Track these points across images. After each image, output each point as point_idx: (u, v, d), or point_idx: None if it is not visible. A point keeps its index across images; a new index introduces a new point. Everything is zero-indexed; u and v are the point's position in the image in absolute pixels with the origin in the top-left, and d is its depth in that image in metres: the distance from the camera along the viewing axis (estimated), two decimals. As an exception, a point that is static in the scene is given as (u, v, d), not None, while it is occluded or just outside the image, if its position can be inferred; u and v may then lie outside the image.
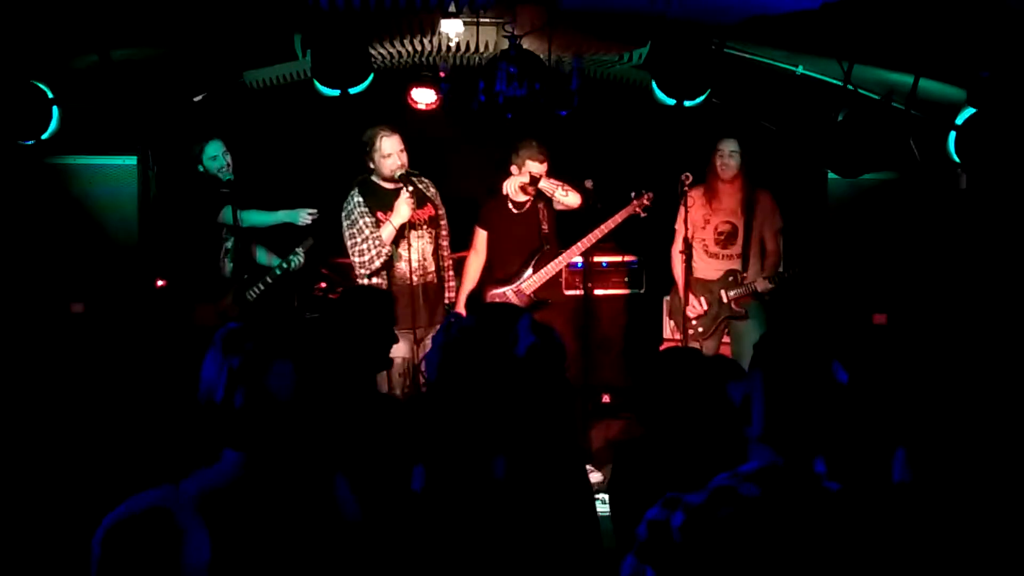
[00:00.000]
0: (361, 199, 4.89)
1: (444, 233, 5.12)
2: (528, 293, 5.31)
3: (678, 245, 5.30)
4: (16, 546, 3.71)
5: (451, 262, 5.22)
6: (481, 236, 5.36)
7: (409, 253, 4.82)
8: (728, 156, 5.22)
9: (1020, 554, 1.98)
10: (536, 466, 2.12)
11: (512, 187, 5.26)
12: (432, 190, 5.08)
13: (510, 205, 5.33)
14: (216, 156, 5.01)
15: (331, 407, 3.06)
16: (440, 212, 5.08)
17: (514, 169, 5.24)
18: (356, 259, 4.87)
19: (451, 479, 2.07)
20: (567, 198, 5.18)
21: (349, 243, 4.89)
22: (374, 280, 4.87)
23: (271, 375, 1.78)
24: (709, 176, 5.31)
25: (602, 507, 4.75)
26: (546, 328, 2.25)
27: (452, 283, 5.22)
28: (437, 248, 5.09)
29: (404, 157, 4.86)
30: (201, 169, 5.06)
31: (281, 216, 5.19)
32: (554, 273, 5.34)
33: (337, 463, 1.93)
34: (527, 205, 5.34)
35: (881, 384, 5.05)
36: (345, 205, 4.92)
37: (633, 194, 5.33)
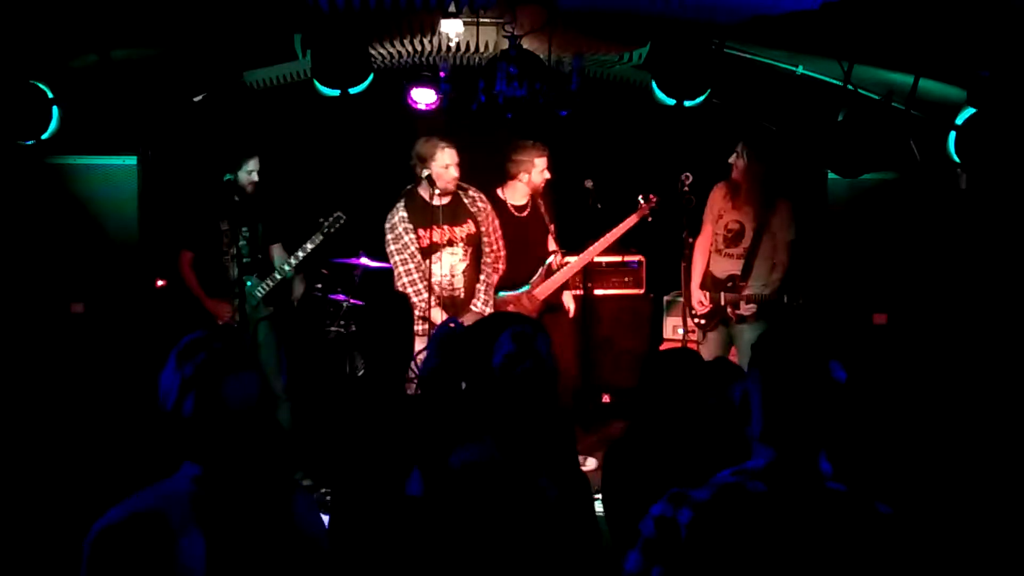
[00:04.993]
0: (406, 214, 4.97)
1: (487, 251, 5.10)
2: (541, 299, 5.32)
3: (705, 236, 5.30)
4: (16, 546, 3.71)
5: (493, 280, 5.17)
6: None
7: (440, 267, 4.91)
8: (736, 157, 5.16)
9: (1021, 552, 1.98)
10: (522, 466, 2.13)
11: (518, 192, 5.27)
12: (480, 205, 5.10)
13: (511, 210, 5.33)
14: (252, 172, 5.03)
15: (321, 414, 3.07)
16: (484, 229, 5.07)
17: (522, 174, 5.26)
18: (404, 276, 4.95)
19: (442, 482, 2.08)
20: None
21: (397, 257, 4.97)
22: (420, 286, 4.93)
23: (229, 385, 1.76)
24: (731, 173, 5.24)
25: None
26: (529, 339, 2.25)
27: (483, 296, 5.11)
28: (476, 265, 5.07)
29: (458, 171, 4.95)
30: (229, 176, 5.03)
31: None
32: (567, 278, 5.36)
33: (294, 481, 1.93)
34: (527, 210, 5.35)
35: (881, 384, 5.06)
36: (390, 217, 5.00)
37: (641, 198, 5.35)
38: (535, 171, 5.26)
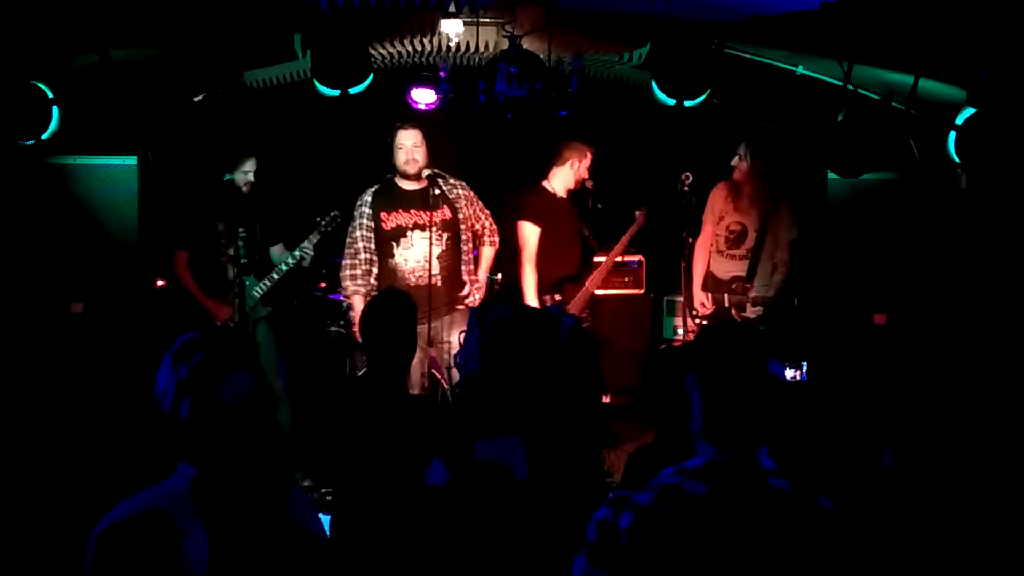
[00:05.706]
0: (370, 199, 4.95)
1: (466, 238, 5.05)
2: (592, 291, 5.41)
3: (705, 237, 5.33)
4: (16, 546, 3.71)
5: (485, 253, 5.18)
6: (533, 232, 5.27)
7: (429, 255, 4.82)
8: (739, 159, 5.20)
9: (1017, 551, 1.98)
10: (560, 459, 2.13)
11: (563, 181, 5.34)
12: (458, 192, 5.02)
13: (559, 201, 5.39)
14: (248, 172, 5.04)
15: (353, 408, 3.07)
16: (462, 215, 5.00)
17: (573, 161, 5.33)
18: (345, 259, 4.95)
19: (475, 473, 2.07)
20: None
21: (347, 242, 4.97)
22: (359, 282, 4.90)
23: (225, 386, 1.75)
24: (733, 174, 5.29)
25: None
26: (578, 319, 2.33)
27: (475, 282, 5.07)
28: (454, 252, 5.00)
29: (420, 153, 4.89)
30: (227, 176, 5.05)
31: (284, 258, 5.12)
32: (605, 273, 5.53)
33: (291, 481, 1.91)
34: (566, 199, 5.41)
35: (880, 383, 5.06)
36: (357, 202, 4.99)
37: (637, 212, 5.53)
38: (584, 162, 5.36)
